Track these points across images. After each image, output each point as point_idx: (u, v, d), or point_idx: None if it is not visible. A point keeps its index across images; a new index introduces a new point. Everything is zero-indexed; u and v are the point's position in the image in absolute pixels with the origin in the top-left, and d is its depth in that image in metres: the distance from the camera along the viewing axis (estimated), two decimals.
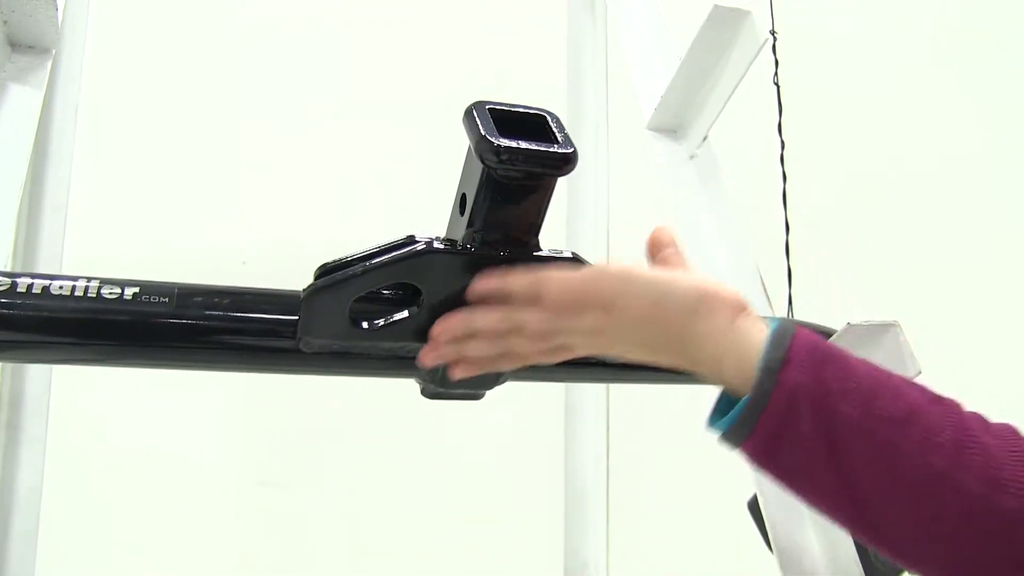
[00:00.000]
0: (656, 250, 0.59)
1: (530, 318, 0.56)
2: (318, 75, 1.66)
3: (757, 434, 0.51)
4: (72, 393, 1.29)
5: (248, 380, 1.37)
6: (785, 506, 0.80)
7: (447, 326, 0.58)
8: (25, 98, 0.76)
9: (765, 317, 0.55)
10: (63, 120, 1.01)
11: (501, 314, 0.57)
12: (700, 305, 0.53)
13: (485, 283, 0.57)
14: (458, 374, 0.59)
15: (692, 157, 0.95)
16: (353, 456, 1.54)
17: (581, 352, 0.59)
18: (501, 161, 0.53)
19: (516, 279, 0.56)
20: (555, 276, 0.55)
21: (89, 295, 0.56)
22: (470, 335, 0.58)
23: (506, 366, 0.59)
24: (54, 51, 0.79)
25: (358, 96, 1.67)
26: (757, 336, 0.53)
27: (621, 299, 0.54)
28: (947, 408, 0.50)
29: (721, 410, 0.55)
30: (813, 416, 0.49)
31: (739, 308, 0.54)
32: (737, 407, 0.52)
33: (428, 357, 0.59)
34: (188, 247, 1.56)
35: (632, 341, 0.56)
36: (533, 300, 0.56)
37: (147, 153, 1.57)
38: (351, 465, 1.54)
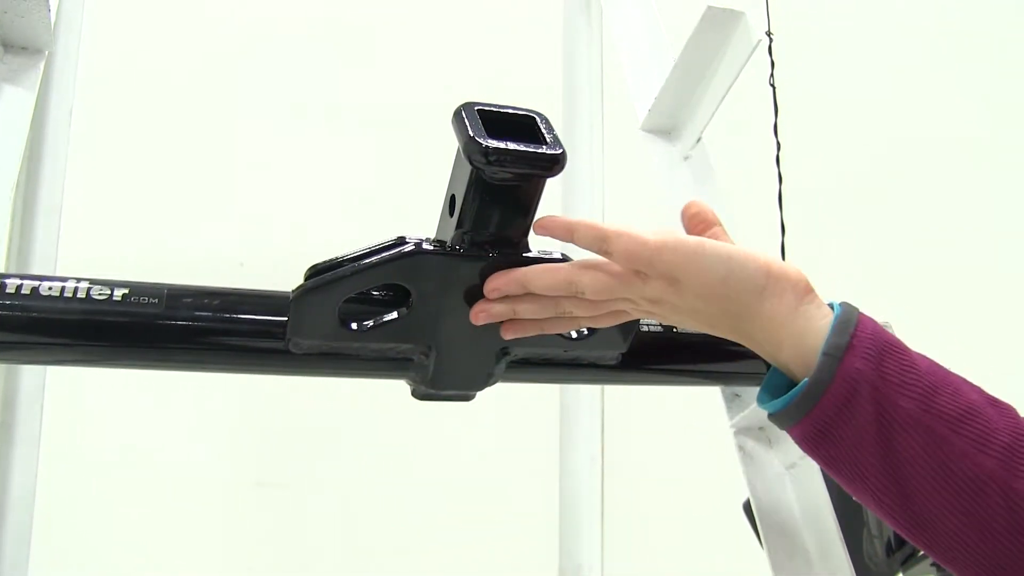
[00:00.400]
0: (701, 228, 0.57)
1: (589, 281, 0.54)
2: (314, 76, 1.67)
3: (812, 418, 0.51)
4: (68, 392, 1.29)
5: (245, 380, 1.37)
6: (777, 508, 0.80)
7: (500, 283, 0.56)
8: (17, 99, 0.76)
9: (828, 302, 0.54)
10: (58, 121, 1.01)
11: (560, 276, 0.55)
12: (768, 284, 0.53)
13: (549, 222, 0.55)
14: (508, 335, 0.58)
15: (686, 159, 0.95)
16: (349, 457, 1.54)
17: (635, 316, 0.58)
18: (489, 162, 0.53)
19: (583, 228, 0.54)
20: (625, 236, 0.52)
21: (78, 296, 0.56)
22: (524, 294, 0.56)
23: (559, 329, 0.58)
24: (47, 52, 0.79)
25: (355, 97, 1.67)
26: (821, 321, 0.52)
27: (689, 273, 0.53)
28: (1004, 412, 0.51)
29: (771, 387, 0.55)
30: (871, 406, 0.49)
31: (805, 291, 0.53)
32: (795, 390, 0.52)
33: (479, 315, 0.57)
34: (185, 248, 1.57)
35: (692, 315, 0.55)
36: (599, 253, 0.54)
37: (144, 154, 1.57)
38: (347, 466, 1.54)
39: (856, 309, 0.53)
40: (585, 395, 1.21)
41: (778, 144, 1.19)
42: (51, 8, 0.77)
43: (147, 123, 1.57)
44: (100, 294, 0.57)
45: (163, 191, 1.56)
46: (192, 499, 1.48)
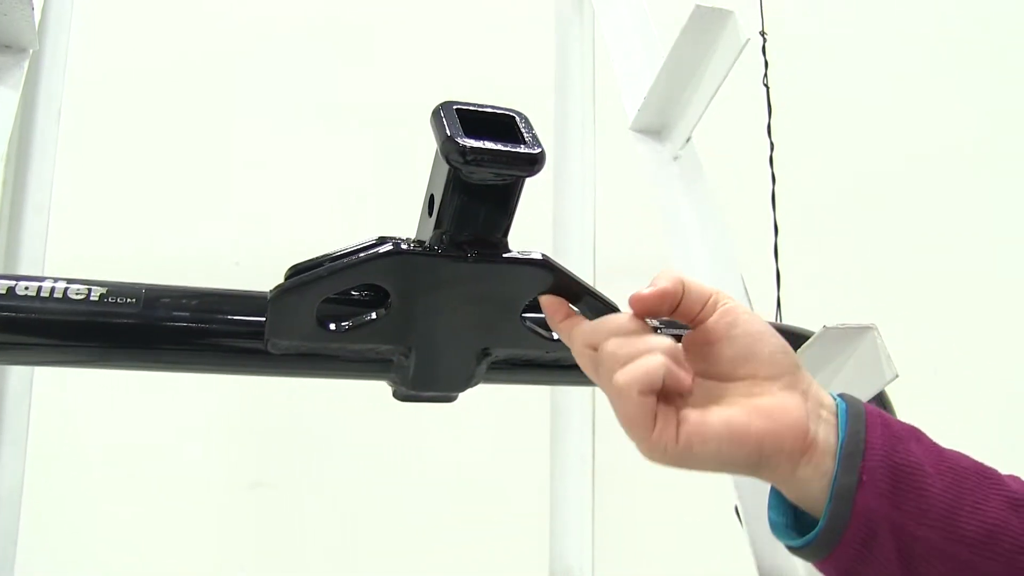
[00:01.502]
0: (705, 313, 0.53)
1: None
2: (309, 75, 1.66)
3: (833, 559, 0.49)
4: (56, 391, 1.29)
5: (237, 379, 1.37)
6: (765, 507, 0.79)
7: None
8: (1, 98, 0.75)
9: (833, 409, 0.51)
10: (46, 120, 1.01)
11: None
12: (761, 462, 0.50)
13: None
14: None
15: (676, 158, 0.94)
16: (340, 458, 1.54)
17: None
18: (466, 161, 0.52)
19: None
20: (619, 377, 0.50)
21: (55, 296, 0.56)
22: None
23: None
24: (31, 51, 0.79)
25: (351, 96, 1.67)
26: (821, 483, 0.49)
27: (686, 466, 0.51)
28: None
29: (779, 514, 0.53)
30: (891, 541, 0.48)
31: (801, 452, 0.50)
32: (812, 535, 0.50)
33: None
34: (180, 248, 1.56)
35: None
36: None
37: (137, 153, 1.57)
38: (338, 467, 1.53)
39: (862, 422, 0.50)
40: (576, 397, 1.20)
41: (771, 144, 1.19)
42: (35, 7, 0.77)
43: (139, 122, 1.57)
44: (77, 294, 0.57)
45: (156, 190, 1.56)
46: (184, 499, 1.47)
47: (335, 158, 1.64)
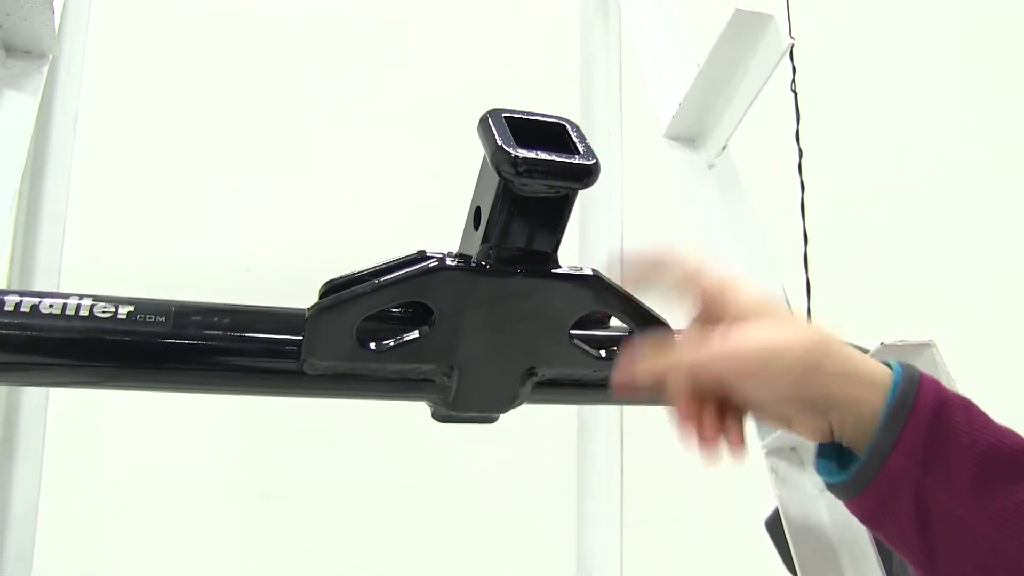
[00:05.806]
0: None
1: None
2: (325, 79, 1.64)
3: (854, 505, 0.52)
4: (71, 407, 1.26)
5: None
6: (812, 532, 0.76)
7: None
8: (20, 104, 0.73)
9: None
10: (62, 128, 0.99)
11: None
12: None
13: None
14: None
15: (711, 167, 0.92)
16: (358, 468, 1.51)
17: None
18: (519, 173, 0.49)
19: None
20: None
21: (81, 314, 0.53)
22: None
23: None
24: (51, 56, 0.76)
25: (367, 102, 1.65)
26: (867, 431, 0.50)
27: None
28: None
29: (826, 455, 0.55)
30: (911, 500, 0.49)
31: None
32: (841, 480, 0.52)
33: None
34: (192, 254, 1.54)
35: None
36: None
37: (150, 160, 1.55)
38: (355, 477, 1.51)
39: (915, 384, 0.50)
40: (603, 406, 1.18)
41: (800, 151, 1.16)
42: (55, 11, 0.74)
43: (153, 128, 1.55)
44: (104, 312, 0.54)
45: (169, 197, 1.54)
46: (197, 512, 1.45)
47: (349, 163, 1.62)
